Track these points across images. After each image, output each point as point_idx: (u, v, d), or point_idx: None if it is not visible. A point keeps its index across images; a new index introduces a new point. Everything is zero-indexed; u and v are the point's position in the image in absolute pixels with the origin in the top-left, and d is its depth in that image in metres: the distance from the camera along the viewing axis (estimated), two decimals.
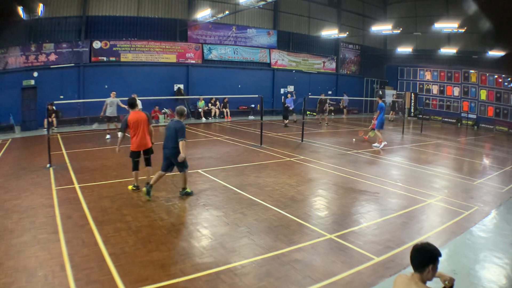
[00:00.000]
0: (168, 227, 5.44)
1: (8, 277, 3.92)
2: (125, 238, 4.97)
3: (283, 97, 19.21)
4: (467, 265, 4.55)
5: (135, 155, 6.97)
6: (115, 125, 13.35)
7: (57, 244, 4.73)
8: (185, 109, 7.16)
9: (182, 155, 6.34)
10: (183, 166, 6.61)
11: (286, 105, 18.89)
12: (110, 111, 13.17)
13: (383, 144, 12.62)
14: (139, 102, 12.85)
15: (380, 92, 27.40)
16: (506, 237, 5.49)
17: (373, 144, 12.92)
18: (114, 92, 13.47)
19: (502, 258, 4.78)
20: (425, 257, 2.30)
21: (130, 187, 7.18)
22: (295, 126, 17.90)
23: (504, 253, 4.93)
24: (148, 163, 7.09)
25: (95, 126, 14.98)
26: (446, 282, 2.44)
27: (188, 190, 6.95)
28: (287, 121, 18.37)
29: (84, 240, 4.89)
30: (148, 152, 7.06)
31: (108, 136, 13.44)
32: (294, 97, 19.79)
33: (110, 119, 13.34)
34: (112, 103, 13.11)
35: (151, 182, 6.74)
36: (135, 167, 7.01)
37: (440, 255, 2.33)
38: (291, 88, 24.07)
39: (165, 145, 6.59)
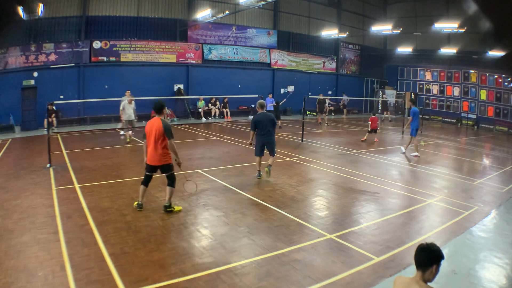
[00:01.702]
0: (168, 227, 5.44)
1: (8, 277, 3.92)
2: (125, 238, 4.97)
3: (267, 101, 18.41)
4: (467, 265, 4.55)
5: (147, 168, 5.94)
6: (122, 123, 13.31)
7: (57, 244, 4.73)
8: (264, 102, 8.44)
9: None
10: (274, 151, 8.19)
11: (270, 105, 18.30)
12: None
13: (403, 149, 11.96)
14: (133, 104, 12.83)
15: (382, 92, 27.43)
16: (506, 237, 5.49)
17: (411, 154, 11.64)
18: (129, 91, 13.15)
19: (502, 258, 4.78)
20: (429, 257, 2.33)
21: (135, 203, 6.13)
22: (284, 129, 17.64)
23: (504, 253, 4.93)
24: (169, 182, 5.92)
25: (120, 125, 14.51)
26: None
27: (269, 168, 8.21)
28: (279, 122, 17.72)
29: (84, 240, 4.89)
30: (165, 169, 5.89)
31: (122, 133, 13.49)
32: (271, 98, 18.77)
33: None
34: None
35: (262, 166, 8.16)
36: (144, 181, 5.99)
37: (443, 257, 2.36)
38: (291, 88, 24.09)
39: (260, 134, 8.00)
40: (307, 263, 4.46)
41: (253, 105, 22.05)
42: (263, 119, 7.92)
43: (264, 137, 8.00)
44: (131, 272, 4.12)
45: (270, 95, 18.81)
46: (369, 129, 14.18)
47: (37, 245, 4.67)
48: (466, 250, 5.02)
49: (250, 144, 8.23)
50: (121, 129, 13.77)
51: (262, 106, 8.14)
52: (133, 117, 12.41)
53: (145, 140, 5.95)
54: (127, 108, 12.27)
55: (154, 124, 5.78)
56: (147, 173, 5.99)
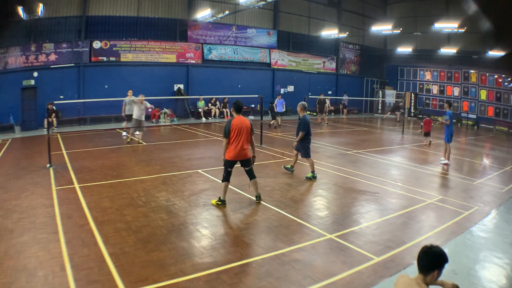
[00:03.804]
0: (168, 227, 5.44)
1: (8, 277, 3.92)
2: (125, 238, 4.97)
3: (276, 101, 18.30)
4: (467, 265, 4.55)
5: (230, 164, 6.31)
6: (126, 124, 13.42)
7: (57, 244, 4.73)
8: (305, 104, 8.56)
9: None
10: (303, 153, 8.31)
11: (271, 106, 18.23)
12: (129, 110, 12.95)
13: (446, 161, 10.57)
14: (132, 99, 12.72)
15: (383, 93, 27.41)
16: (506, 237, 5.49)
17: (441, 161, 10.75)
18: (131, 91, 13.29)
19: (502, 258, 4.78)
20: (432, 261, 2.29)
21: (213, 201, 6.46)
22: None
23: (504, 253, 4.93)
24: (251, 175, 6.51)
25: (124, 124, 14.09)
26: None
27: (310, 175, 8.37)
28: (273, 121, 17.78)
29: (84, 240, 4.89)
30: (249, 162, 6.41)
31: (124, 134, 13.49)
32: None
33: (129, 118, 13.02)
34: (130, 101, 12.91)
35: (293, 163, 8.66)
36: (226, 178, 6.31)
37: (447, 261, 2.32)
38: (291, 88, 24.11)
39: (309, 136, 8.31)
40: (307, 263, 4.46)
41: (253, 105, 22.08)
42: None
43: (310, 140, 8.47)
44: (131, 272, 4.12)
45: (279, 97, 18.65)
46: (424, 132, 14.22)
47: (37, 245, 4.67)
48: (466, 250, 5.03)
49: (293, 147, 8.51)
50: (122, 129, 13.82)
51: (305, 108, 8.40)
52: (143, 117, 12.38)
53: (227, 138, 6.23)
54: (137, 108, 12.10)
55: (243, 122, 6.24)
56: (229, 169, 6.34)
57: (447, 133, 10.63)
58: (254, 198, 6.64)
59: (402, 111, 22.31)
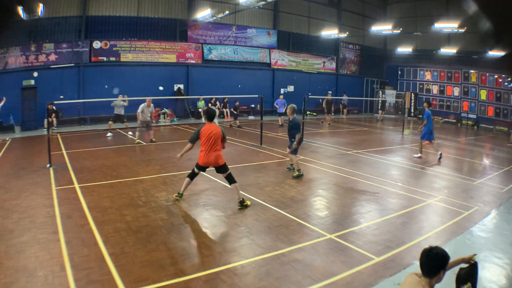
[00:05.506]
0: (168, 227, 5.44)
1: (8, 277, 3.92)
2: (125, 238, 4.97)
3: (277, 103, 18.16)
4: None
5: (200, 168, 6.41)
6: (126, 124, 13.77)
7: (57, 244, 4.73)
8: (295, 106, 8.54)
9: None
10: (294, 151, 8.48)
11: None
12: (118, 111, 13.69)
13: (418, 155, 11.47)
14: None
15: (382, 92, 27.42)
16: (506, 237, 5.49)
17: (414, 155, 11.61)
18: (121, 96, 13.78)
19: (502, 258, 4.78)
20: (437, 265, 2.26)
21: (175, 195, 6.64)
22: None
23: (504, 253, 4.93)
24: (231, 180, 6.36)
25: (109, 123, 14.15)
26: (471, 260, 2.51)
27: (294, 169, 8.65)
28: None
29: (84, 240, 4.89)
30: (221, 169, 6.33)
31: (109, 134, 13.96)
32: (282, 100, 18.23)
33: (118, 118, 13.74)
34: (119, 104, 13.56)
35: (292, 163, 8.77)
36: (192, 175, 6.48)
37: (450, 258, 2.31)
38: (291, 88, 24.11)
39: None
40: (307, 263, 4.46)
41: (253, 105, 22.09)
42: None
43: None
44: (131, 272, 4.12)
45: (281, 97, 18.50)
46: None
47: (37, 245, 4.67)
48: (466, 250, 5.02)
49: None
50: (111, 130, 14.09)
51: (295, 110, 8.48)
52: (148, 118, 12.67)
53: (190, 143, 6.37)
54: (146, 111, 12.44)
55: (213, 129, 6.22)
56: (196, 171, 6.46)
57: (424, 131, 11.21)
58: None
59: (385, 112, 22.66)
